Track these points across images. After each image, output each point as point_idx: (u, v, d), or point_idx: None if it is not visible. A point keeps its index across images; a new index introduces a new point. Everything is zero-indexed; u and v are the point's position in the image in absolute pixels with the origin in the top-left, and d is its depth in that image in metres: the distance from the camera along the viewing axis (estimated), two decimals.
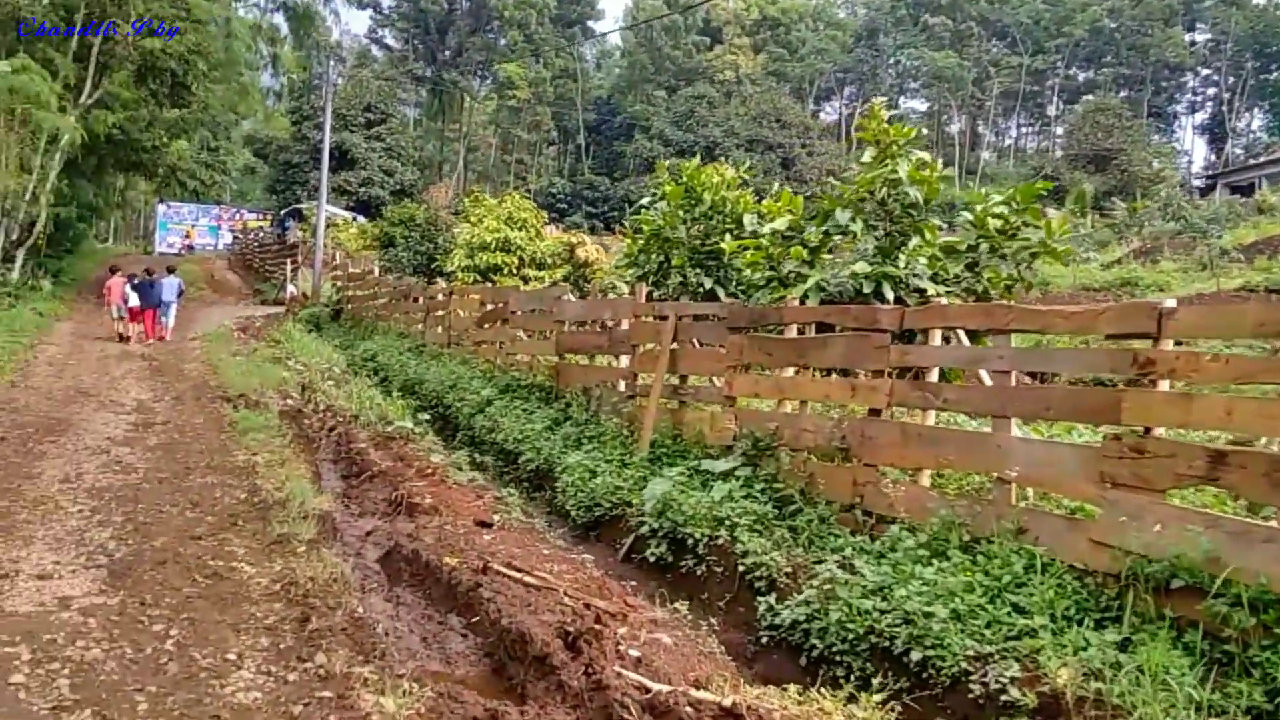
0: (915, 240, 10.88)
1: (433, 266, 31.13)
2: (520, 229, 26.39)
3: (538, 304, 15.46)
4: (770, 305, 10.62)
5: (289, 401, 15.24)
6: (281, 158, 63.81)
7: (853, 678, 5.77)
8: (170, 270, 26.22)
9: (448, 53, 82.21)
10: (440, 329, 19.78)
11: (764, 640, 6.64)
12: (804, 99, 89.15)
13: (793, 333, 9.41)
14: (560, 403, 12.66)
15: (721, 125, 71.18)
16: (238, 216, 58.41)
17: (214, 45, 32.73)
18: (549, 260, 26.43)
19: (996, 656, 5.28)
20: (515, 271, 25.82)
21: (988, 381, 7.64)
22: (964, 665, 5.35)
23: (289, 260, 41.38)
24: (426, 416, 14.30)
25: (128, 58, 28.72)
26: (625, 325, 12.11)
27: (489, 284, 23.65)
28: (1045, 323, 7.01)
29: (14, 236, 25.57)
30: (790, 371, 9.35)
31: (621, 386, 11.80)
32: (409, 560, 7.76)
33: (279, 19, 48.63)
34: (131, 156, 33.99)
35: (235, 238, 54.89)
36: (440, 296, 20.78)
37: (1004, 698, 5.02)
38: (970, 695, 5.21)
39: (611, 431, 11.05)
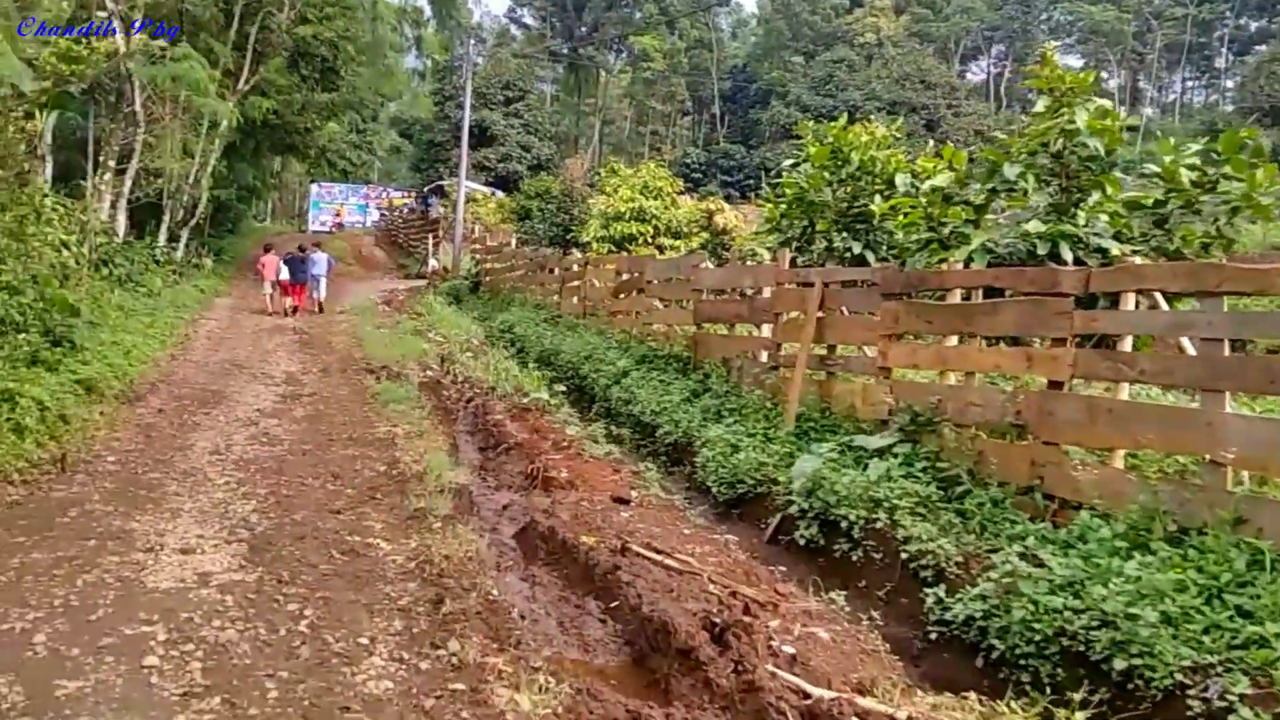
0: (1095, 196, 9.86)
1: (568, 238, 31.06)
2: (655, 198, 25.91)
3: (674, 273, 14.95)
4: (930, 269, 9.81)
5: (429, 373, 15.27)
6: (425, 137, 65.37)
7: (1044, 686, 5.08)
8: (317, 245, 27.07)
9: (584, 29, 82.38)
10: (575, 299, 19.55)
11: (932, 636, 5.97)
12: (949, 59, 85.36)
13: (956, 298, 8.60)
14: (698, 374, 12.14)
15: (862, 89, 68.87)
16: (384, 195, 59.91)
17: (361, 29, 33.44)
18: (685, 229, 25.86)
19: (1219, 668, 4.53)
20: (650, 241, 25.36)
21: (1190, 350, 6.71)
22: (1179, 677, 4.61)
23: (431, 235, 42.19)
24: (562, 388, 14.06)
25: (282, 45, 29.64)
26: (767, 293, 11.44)
27: (624, 254, 23.29)
28: (1265, 284, 6.04)
29: (179, 217, 26.67)
30: (953, 340, 8.56)
31: (764, 357, 11.19)
32: (545, 537, 7.42)
33: (422, 1, 49.42)
34: (286, 139, 35.10)
35: (382, 215, 56.39)
36: (575, 267, 20.53)
37: (1231, 718, 4.27)
38: (1189, 713, 4.47)
39: (754, 404, 10.46)
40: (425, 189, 55.72)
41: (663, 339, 14.04)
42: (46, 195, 13.91)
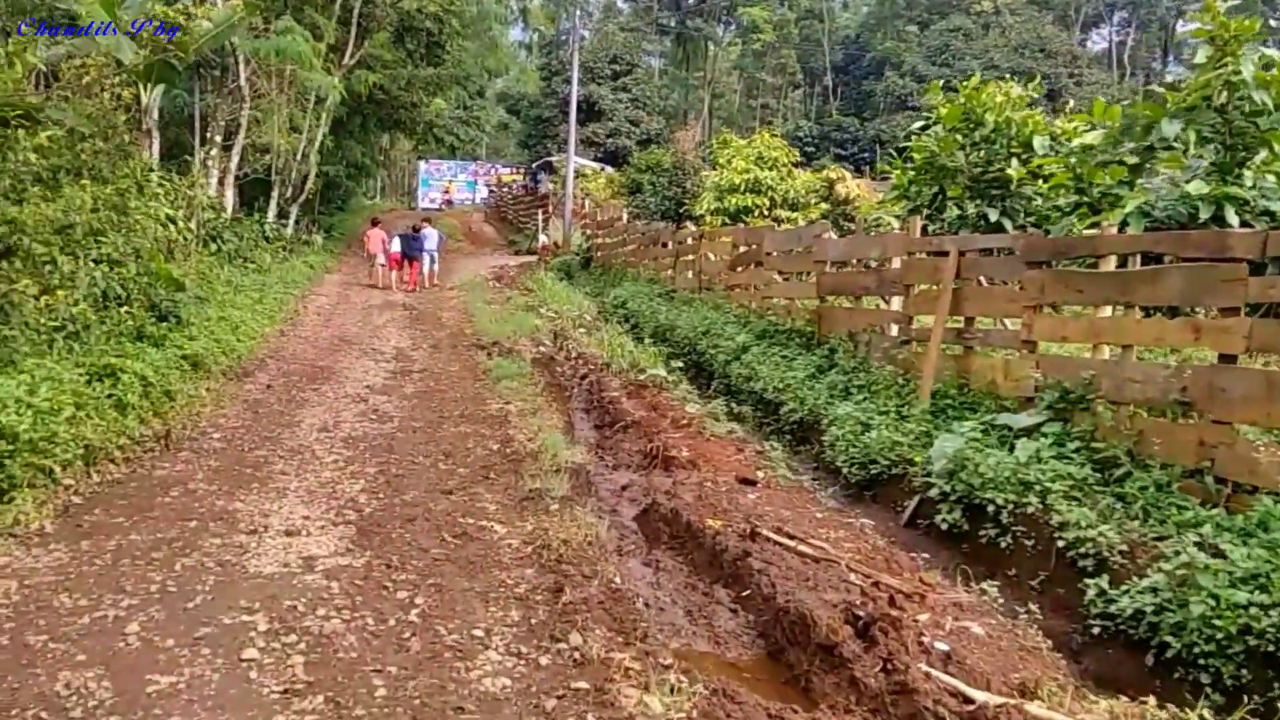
0: (1262, 154, 8.96)
1: (681, 211, 30.58)
2: (771, 169, 25.17)
3: (794, 244, 14.36)
4: (1079, 235, 9.06)
5: (541, 349, 15.09)
6: (532, 113, 65.64)
7: (1228, 689, 4.54)
8: (427, 221, 27.47)
9: (691, 1, 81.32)
10: (690, 273, 19.10)
11: (1094, 631, 5.43)
12: (1069, 27, 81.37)
13: (1110, 265, 7.90)
14: (823, 349, 11.59)
15: (980, 58, 66.19)
16: (492, 171, 60.38)
17: (466, 2, 33.42)
18: (803, 200, 25.06)
19: None
20: (766, 213, 24.68)
21: None
22: None
23: (540, 211, 42.28)
24: (679, 364, 13.66)
25: (386, 19, 29.78)
26: (896, 263, 10.81)
27: (740, 226, 22.70)
28: None
29: (287, 193, 26.99)
30: (1107, 311, 7.86)
31: (894, 331, 10.59)
32: (668, 520, 7.08)
33: None
34: (393, 115, 35.42)
35: (490, 191, 56.85)
36: (689, 240, 20.08)
37: None
38: None
39: (884, 380, 9.90)
40: (534, 165, 55.90)
41: (783, 313, 13.50)
42: (152, 170, 13.99)
